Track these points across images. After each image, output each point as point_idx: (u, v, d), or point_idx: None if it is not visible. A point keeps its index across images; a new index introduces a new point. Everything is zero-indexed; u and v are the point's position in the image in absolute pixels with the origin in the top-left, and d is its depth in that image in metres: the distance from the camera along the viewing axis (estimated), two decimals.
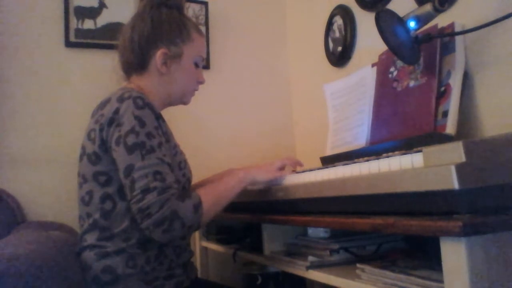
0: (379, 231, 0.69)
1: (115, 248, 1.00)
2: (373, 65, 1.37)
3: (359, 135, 1.34)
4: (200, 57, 1.20)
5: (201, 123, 1.99)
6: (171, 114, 1.29)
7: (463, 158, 0.58)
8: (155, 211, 0.90)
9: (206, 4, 2.01)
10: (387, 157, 0.74)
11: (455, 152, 0.59)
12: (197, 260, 1.82)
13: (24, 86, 1.69)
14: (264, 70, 2.16)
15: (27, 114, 1.68)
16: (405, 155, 0.69)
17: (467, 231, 0.54)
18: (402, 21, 1.03)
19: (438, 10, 1.01)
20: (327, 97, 1.55)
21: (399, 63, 1.24)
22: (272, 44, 2.19)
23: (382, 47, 1.17)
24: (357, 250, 1.05)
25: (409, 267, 0.81)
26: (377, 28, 1.06)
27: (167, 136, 1.07)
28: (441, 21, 1.11)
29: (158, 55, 1.13)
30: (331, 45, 1.80)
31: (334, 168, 0.87)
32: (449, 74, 1.09)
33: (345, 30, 1.69)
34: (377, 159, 0.76)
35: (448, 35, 1.10)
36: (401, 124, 1.18)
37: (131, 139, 0.96)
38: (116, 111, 0.99)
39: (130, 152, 0.95)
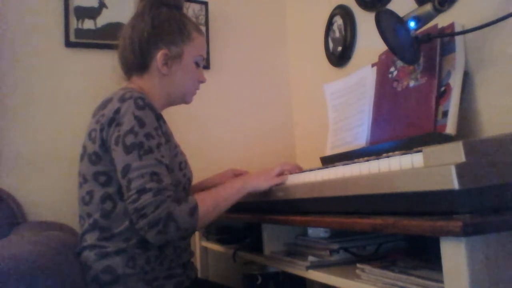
0: (379, 231, 0.69)
1: (115, 248, 1.00)
2: (373, 65, 1.37)
3: (359, 135, 1.34)
4: (201, 56, 1.20)
5: (201, 123, 1.99)
6: (171, 114, 1.29)
7: (463, 158, 0.58)
8: (150, 211, 0.90)
9: (206, 4, 2.01)
10: (387, 157, 0.74)
11: (455, 152, 0.59)
12: (197, 260, 1.82)
13: (24, 86, 1.69)
14: (264, 70, 2.16)
15: (27, 114, 1.68)
16: (405, 155, 0.69)
17: (467, 231, 0.54)
18: (402, 21, 1.03)
19: (438, 10, 1.01)
20: (327, 97, 1.55)
21: (399, 63, 1.24)
22: (272, 44, 2.19)
23: (382, 47, 1.17)
24: (357, 250, 1.05)
25: (409, 267, 0.81)
26: (377, 28, 1.06)
27: (167, 137, 1.07)
28: (441, 21, 1.11)
29: (159, 56, 1.12)
30: (331, 45, 1.80)
31: (334, 168, 0.87)
32: (449, 74, 1.09)
33: (345, 30, 1.69)
34: (377, 159, 0.76)
35: (448, 35, 1.10)
36: (401, 124, 1.18)
37: (129, 139, 0.96)
38: (117, 111, 0.99)
39: (128, 152, 0.95)
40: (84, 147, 1.07)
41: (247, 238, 1.40)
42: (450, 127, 1.03)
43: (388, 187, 0.69)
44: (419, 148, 0.68)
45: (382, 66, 1.31)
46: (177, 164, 1.08)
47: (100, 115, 1.03)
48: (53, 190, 1.67)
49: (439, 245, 0.60)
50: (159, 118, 1.03)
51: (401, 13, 1.05)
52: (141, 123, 0.98)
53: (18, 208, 1.56)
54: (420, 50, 1.09)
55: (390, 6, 1.44)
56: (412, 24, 1.03)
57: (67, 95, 1.75)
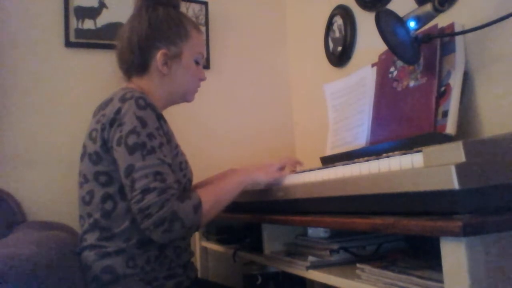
0: (379, 231, 0.69)
1: (115, 248, 1.00)
2: (373, 65, 1.37)
3: (359, 135, 1.34)
4: (200, 54, 1.20)
5: (201, 123, 1.99)
6: (171, 114, 1.29)
7: (463, 158, 0.58)
8: (155, 211, 0.90)
9: (206, 4, 2.02)
10: (387, 157, 0.74)
11: (455, 152, 0.59)
12: (197, 260, 1.82)
13: (24, 86, 1.69)
14: (264, 70, 2.16)
15: (27, 114, 1.68)
16: (405, 155, 0.69)
17: (467, 231, 0.54)
18: (402, 21, 1.03)
19: (438, 10, 1.01)
20: (327, 97, 1.55)
21: (399, 63, 1.24)
22: (272, 44, 2.19)
23: (382, 47, 1.17)
24: (357, 250, 1.05)
25: (409, 267, 0.81)
26: (377, 28, 1.06)
27: (169, 137, 1.07)
28: (441, 21, 1.11)
29: (159, 56, 1.12)
30: (331, 45, 1.80)
31: (334, 168, 0.87)
32: (449, 74, 1.09)
33: (345, 30, 1.69)
34: (377, 159, 0.76)
35: (448, 35, 1.10)
36: (401, 124, 1.18)
37: (132, 139, 0.96)
38: (118, 111, 0.99)
39: (131, 152, 0.95)
40: (85, 147, 1.07)
41: (247, 238, 1.40)
42: (450, 127, 1.03)
43: (388, 187, 0.69)
44: (419, 148, 0.69)
45: (382, 66, 1.31)
46: (177, 164, 1.08)
47: (101, 115, 1.03)
48: (53, 190, 1.67)
49: (439, 245, 0.60)
50: (160, 118, 1.03)
51: (401, 13, 1.05)
52: (143, 123, 0.98)
53: (18, 208, 1.56)
54: (420, 50, 1.09)
55: (390, 6, 1.44)
56: (412, 24, 1.03)
57: (67, 95, 1.75)
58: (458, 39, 1.10)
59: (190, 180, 1.15)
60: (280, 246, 1.22)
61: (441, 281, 0.62)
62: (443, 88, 1.09)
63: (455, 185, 0.57)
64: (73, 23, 1.77)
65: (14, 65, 1.68)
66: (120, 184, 1.00)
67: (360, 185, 0.76)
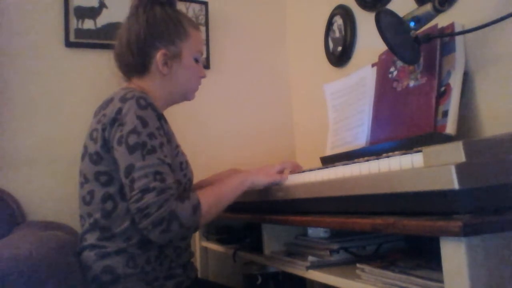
0: (379, 231, 0.69)
1: (115, 248, 1.00)
2: (373, 65, 1.37)
3: (359, 135, 1.34)
4: (199, 52, 1.20)
5: (201, 123, 1.99)
6: (172, 114, 1.29)
7: (463, 158, 0.58)
8: (154, 211, 0.89)
9: (206, 4, 2.01)
10: (387, 157, 0.74)
11: (455, 152, 0.59)
12: (197, 260, 1.82)
13: (24, 86, 1.69)
14: (264, 70, 2.16)
15: (27, 114, 1.68)
16: (405, 155, 0.69)
17: (467, 231, 0.54)
18: (402, 21, 1.03)
19: (438, 10, 1.01)
20: (327, 97, 1.55)
21: (399, 63, 1.24)
22: (272, 44, 2.19)
23: (382, 47, 1.17)
24: (357, 250, 1.05)
25: (409, 267, 0.81)
26: (377, 28, 1.06)
27: (169, 137, 1.07)
28: (441, 21, 1.11)
29: (158, 57, 1.12)
30: (331, 45, 1.80)
31: (334, 168, 0.87)
32: (449, 74, 1.09)
33: (345, 30, 1.69)
34: (377, 159, 0.76)
35: (448, 35, 1.10)
36: (401, 124, 1.18)
37: (132, 139, 0.96)
38: (119, 111, 0.99)
39: (131, 152, 0.95)
40: (85, 147, 1.07)
41: (247, 238, 1.40)
42: (450, 127, 1.03)
43: (388, 187, 0.69)
44: (419, 148, 0.69)
45: (382, 66, 1.31)
46: (178, 165, 1.08)
47: (102, 115, 1.03)
48: (53, 190, 1.67)
49: (439, 245, 0.60)
50: (160, 118, 1.03)
51: (401, 13, 1.05)
52: (143, 123, 0.98)
53: (18, 208, 1.56)
54: (420, 50, 1.09)
55: (390, 6, 1.44)
56: (412, 24, 1.03)
57: (67, 95, 1.75)
58: (458, 39, 1.10)
59: (190, 180, 1.15)
60: (280, 246, 1.22)
61: (441, 281, 0.62)
62: (443, 88, 1.09)
63: (455, 185, 0.57)
64: (73, 23, 1.77)
65: (14, 65, 1.68)
66: (121, 184, 1.00)
67: (360, 185, 0.76)
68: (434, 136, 1.04)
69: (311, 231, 1.16)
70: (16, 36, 1.69)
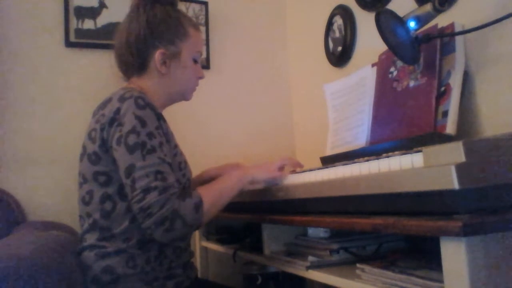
0: (379, 231, 0.69)
1: (115, 248, 1.00)
2: (373, 65, 1.37)
3: (359, 135, 1.34)
4: (199, 52, 1.20)
5: (201, 123, 1.99)
6: (171, 114, 1.29)
7: (463, 158, 0.58)
8: (156, 210, 0.89)
9: (206, 4, 2.01)
10: (387, 157, 0.74)
11: (455, 152, 0.59)
12: (197, 260, 1.82)
13: (24, 86, 1.69)
14: (264, 70, 2.16)
15: (27, 114, 1.68)
16: (405, 155, 0.69)
17: (467, 231, 0.54)
18: (402, 21, 1.03)
19: (438, 10, 1.01)
20: (327, 97, 1.55)
21: (399, 63, 1.24)
22: (272, 44, 2.19)
23: (382, 47, 1.17)
24: (357, 250, 1.05)
25: (409, 267, 0.81)
26: (377, 28, 1.06)
27: (168, 137, 1.07)
28: (441, 21, 1.11)
29: (157, 56, 1.12)
30: (331, 45, 1.80)
31: (334, 168, 0.87)
32: (449, 74, 1.09)
33: (345, 30, 1.69)
34: (377, 159, 0.76)
35: (448, 35, 1.10)
36: (401, 124, 1.18)
37: (132, 139, 0.96)
38: (117, 111, 0.99)
39: (131, 152, 0.95)
40: (84, 147, 1.07)
41: (247, 238, 1.40)
42: (450, 127, 1.03)
43: (388, 187, 0.69)
44: (419, 148, 0.68)
45: (382, 66, 1.31)
46: (176, 164, 1.08)
47: (100, 115, 1.03)
48: (53, 190, 1.67)
49: (439, 245, 0.60)
50: (159, 117, 1.03)
51: (401, 13, 1.05)
52: (142, 122, 0.98)
53: (18, 208, 1.56)
54: (420, 50, 1.09)
55: (390, 6, 1.44)
56: (412, 24, 1.03)
57: (67, 95, 1.75)
58: (458, 39, 1.10)
59: (189, 180, 1.15)
60: (280, 246, 1.22)
61: (441, 281, 0.62)
62: (443, 88, 1.09)
63: (455, 185, 0.57)
64: (73, 23, 1.77)
65: (14, 65, 1.68)
66: (119, 184, 1.00)
67: (360, 185, 0.76)
68: (434, 136, 1.04)
69: (311, 231, 1.16)
70: (16, 36, 1.69)
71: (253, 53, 2.14)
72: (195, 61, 1.20)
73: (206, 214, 0.97)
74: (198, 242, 1.83)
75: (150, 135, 0.97)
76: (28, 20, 1.72)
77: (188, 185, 1.14)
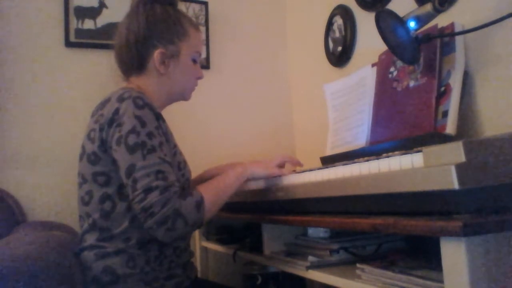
0: (379, 231, 0.69)
1: (115, 248, 1.00)
2: (373, 65, 1.37)
3: (359, 135, 1.34)
4: (198, 52, 1.20)
5: (201, 123, 1.99)
6: (170, 114, 1.29)
7: (463, 158, 0.58)
8: (158, 210, 0.89)
9: (206, 4, 2.02)
10: (387, 157, 0.74)
11: (455, 152, 0.59)
12: (197, 260, 1.82)
13: (24, 86, 1.69)
14: (264, 70, 2.16)
15: (27, 114, 1.68)
16: (405, 155, 0.69)
17: (467, 231, 0.54)
18: (402, 21, 1.03)
19: (438, 10, 1.01)
20: (327, 97, 1.55)
21: (399, 63, 1.24)
22: (272, 44, 2.19)
23: (382, 47, 1.17)
24: (357, 250, 1.05)
25: (409, 267, 0.81)
26: (377, 28, 1.06)
27: (167, 136, 1.07)
28: (441, 21, 1.11)
29: (156, 55, 1.12)
30: (331, 45, 1.80)
31: (334, 168, 0.87)
32: (449, 74, 1.09)
33: (345, 30, 1.69)
34: (377, 159, 0.76)
35: (448, 35, 1.10)
36: (401, 124, 1.18)
37: (132, 139, 0.96)
38: (116, 111, 0.99)
39: (132, 152, 0.95)
40: (83, 147, 1.07)
41: (247, 238, 1.40)
42: (450, 127, 1.03)
43: (388, 187, 0.69)
44: (419, 148, 0.68)
45: (382, 66, 1.31)
46: (176, 164, 1.08)
47: (99, 115, 1.03)
48: (53, 190, 1.67)
49: (439, 245, 0.60)
50: (158, 117, 1.03)
51: (401, 13, 1.05)
52: (142, 122, 0.98)
53: (18, 208, 1.56)
54: (420, 50, 1.09)
55: (390, 6, 1.44)
56: (412, 24, 1.03)
57: (67, 95, 1.75)
58: (458, 39, 1.10)
59: (188, 180, 1.15)
60: (280, 246, 1.22)
61: (441, 281, 0.62)
62: (443, 88, 1.09)
63: (455, 185, 0.57)
64: (73, 23, 1.77)
65: (14, 65, 1.68)
66: (119, 185, 1.00)
67: (360, 185, 0.76)
68: (434, 136, 1.04)
69: (311, 231, 1.16)
70: (16, 36, 1.69)
71: (253, 53, 2.14)
72: (194, 61, 1.20)
73: (208, 212, 0.97)
74: (198, 242, 1.83)
75: (150, 135, 0.97)
76: (28, 20, 1.72)
77: (187, 185, 1.14)
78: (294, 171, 1.17)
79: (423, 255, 0.92)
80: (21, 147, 1.66)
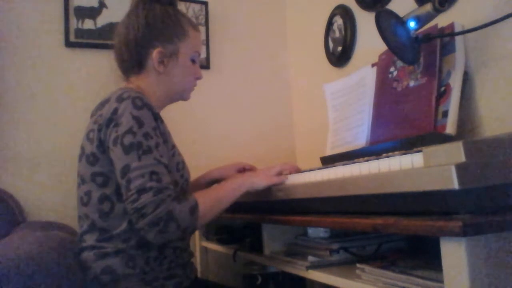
0: (379, 231, 0.69)
1: (114, 248, 1.00)
2: (373, 65, 1.37)
3: (359, 135, 1.34)
4: (197, 52, 1.20)
5: (201, 123, 1.99)
6: (170, 114, 1.29)
7: (463, 158, 0.58)
8: (150, 211, 0.89)
9: (206, 4, 2.01)
10: (387, 157, 0.74)
11: (455, 152, 0.59)
12: (197, 260, 1.82)
13: (24, 86, 1.69)
14: (264, 70, 2.16)
15: (27, 114, 1.68)
16: (405, 155, 0.69)
17: (467, 231, 0.54)
18: (402, 21, 1.03)
19: (438, 10, 1.01)
20: (327, 97, 1.55)
21: (399, 63, 1.24)
22: (272, 44, 2.19)
23: (382, 47, 1.17)
24: (357, 250, 1.05)
25: (409, 267, 0.81)
26: (377, 28, 1.06)
27: (165, 137, 1.06)
28: (441, 21, 1.11)
29: (155, 55, 1.12)
30: (331, 45, 1.80)
31: (334, 168, 0.87)
32: (449, 74, 1.09)
33: (345, 30, 1.69)
34: (377, 159, 0.76)
35: (448, 35, 1.10)
36: (401, 124, 1.18)
37: (128, 139, 0.95)
38: (115, 112, 0.99)
39: (127, 152, 0.95)
40: (82, 148, 1.07)
41: (247, 238, 1.40)
42: (450, 127, 1.03)
43: (388, 187, 0.69)
44: (419, 148, 0.68)
45: (382, 66, 1.31)
46: (174, 165, 1.08)
47: (98, 115, 1.03)
48: (53, 190, 1.67)
49: (439, 245, 0.60)
50: (157, 118, 1.03)
51: (401, 13, 1.05)
52: (139, 123, 0.97)
53: (18, 208, 1.56)
54: (420, 50, 1.09)
55: (390, 6, 1.44)
56: (412, 24, 1.03)
57: (67, 95, 1.75)
58: (458, 39, 1.10)
59: (187, 181, 1.15)
60: (280, 246, 1.22)
61: (441, 281, 0.62)
62: (443, 88, 1.09)
63: (455, 185, 0.57)
64: (73, 23, 1.77)
65: (14, 65, 1.68)
66: (117, 185, 0.99)
67: (360, 185, 0.76)
68: (434, 136, 1.04)
69: (311, 231, 1.16)
70: (16, 36, 1.69)
71: (253, 53, 2.14)
72: (194, 62, 1.19)
73: (201, 219, 0.97)
74: (198, 242, 1.83)
75: (146, 136, 0.97)
76: (28, 20, 1.72)
77: (186, 186, 1.14)
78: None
79: (423, 255, 0.92)
80: (22, 147, 1.66)
